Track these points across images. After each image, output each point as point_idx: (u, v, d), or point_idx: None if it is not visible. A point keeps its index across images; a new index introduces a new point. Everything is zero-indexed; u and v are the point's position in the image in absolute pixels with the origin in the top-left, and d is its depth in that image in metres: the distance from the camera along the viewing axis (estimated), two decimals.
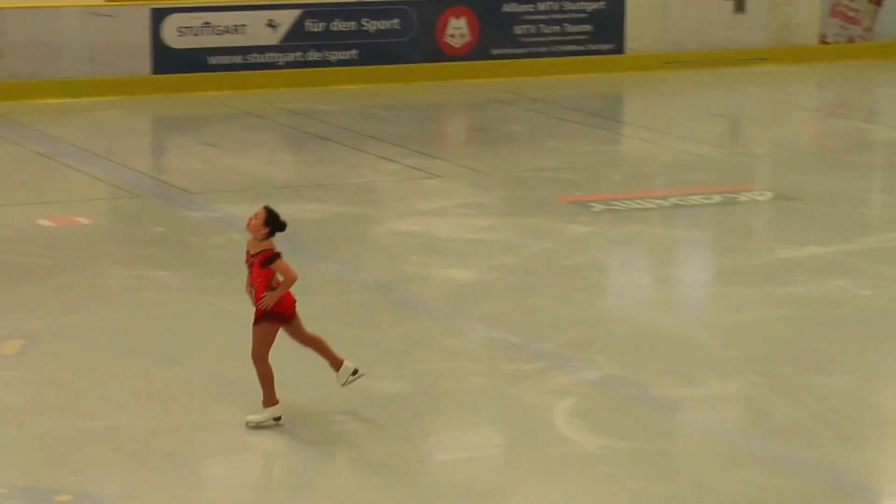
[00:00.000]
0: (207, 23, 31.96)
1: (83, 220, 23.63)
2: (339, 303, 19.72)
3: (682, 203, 24.68)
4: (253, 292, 14.84)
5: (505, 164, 28.01)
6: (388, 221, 24.56)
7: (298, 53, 33.15)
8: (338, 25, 33.19)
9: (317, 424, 15.29)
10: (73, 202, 25.06)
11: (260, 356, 14.76)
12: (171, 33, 32.14)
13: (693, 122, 33.79)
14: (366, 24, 33.20)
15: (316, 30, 32.76)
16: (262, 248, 14.75)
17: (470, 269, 21.43)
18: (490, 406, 16.34)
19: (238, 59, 32.55)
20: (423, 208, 24.93)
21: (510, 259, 21.58)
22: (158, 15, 31.59)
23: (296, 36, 32.71)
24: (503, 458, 15.16)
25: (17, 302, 19.20)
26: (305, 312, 16.70)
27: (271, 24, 32.47)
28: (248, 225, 14.86)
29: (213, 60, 32.98)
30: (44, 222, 23.05)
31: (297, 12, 32.69)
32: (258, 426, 14.78)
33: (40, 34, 32.07)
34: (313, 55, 33.26)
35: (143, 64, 32.65)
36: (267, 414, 14.85)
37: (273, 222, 14.86)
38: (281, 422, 14.94)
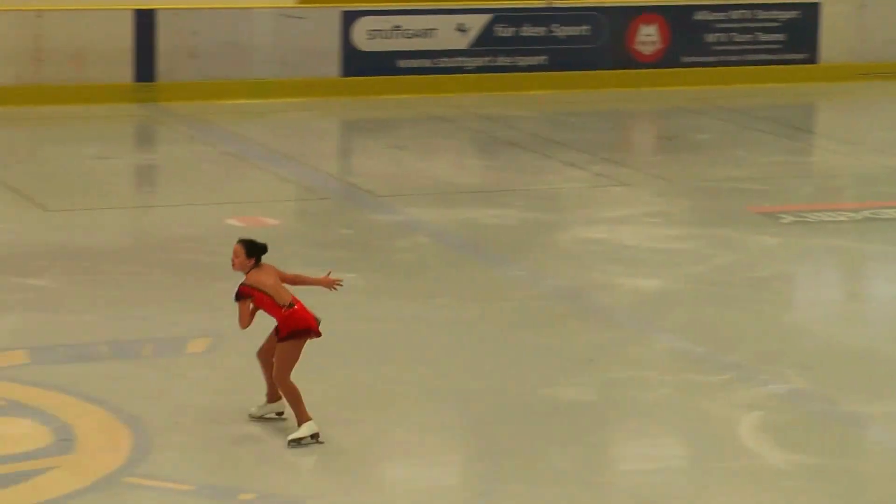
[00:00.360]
0: (398, 26, 32.10)
1: (271, 221, 23.82)
2: (523, 309, 19.72)
3: (875, 216, 24.52)
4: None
5: (693, 173, 27.96)
6: (574, 228, 24.50)
7: (488, 58, 33.17)
8: (527, 31, 33.20)
9: (500, 433, 15.14)
10: (262, 203, 25.43)
11: (283, 376, 14.53)
12: (362, 36, 32.29)
13: (887, 133, 33.25)
14: (556, 29, 33.17)
15: (505, 35, 32.77)
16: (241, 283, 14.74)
17: (656, 278, 21.33)
18: (675, 417, 16.25)
19: (427, 63, 32.66)
20: (609, 216, 24.82)
21: (697, 269, 21.49)
22: (349, 18, 31.81)
23: (485, 41, 32.75)
24: (687, 470, 15.00)
25: (206, 301, 19.38)
26: (489, 318, 16.86)
27: (461, 29, 32.53)
28: (234, 266, 14.73)
29: (402, 64, 33.06)
30: (232, 222, 23.17)
31: (486, 17, 32.71)
32: (298, 444, 14.43)
33: (232, 35, 32.36)
34: (502, 60, 33.21)
35: (333, 66, 32.84)
36: (304, 430, 14.49)
37: (254, 250, 14.74)
38: (320, 439, 14.58)
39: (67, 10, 31.07)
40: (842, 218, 24.48)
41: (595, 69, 34.03)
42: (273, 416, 15.00)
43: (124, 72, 31.81)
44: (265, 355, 14.74)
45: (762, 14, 34.64)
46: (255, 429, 15.13)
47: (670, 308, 19.93)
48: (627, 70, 34.30)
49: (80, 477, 13.81)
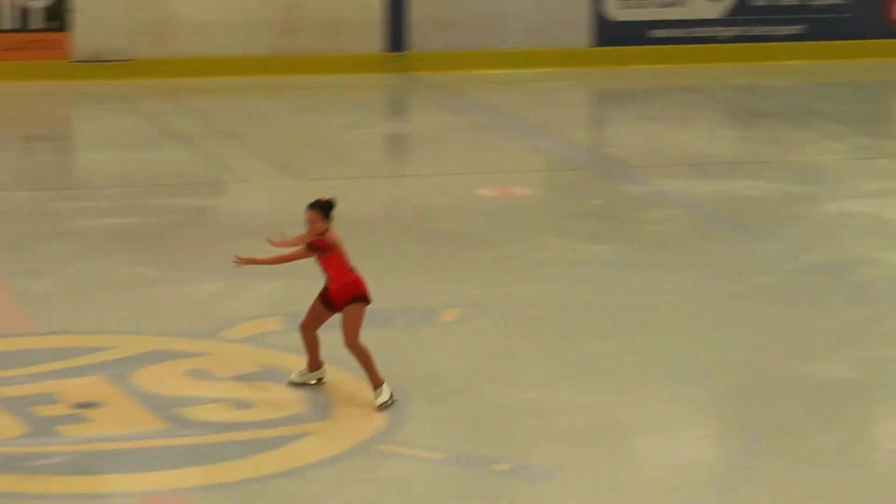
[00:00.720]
0: None
1: (521, 191, 24.12)
2: (781, 283, 19.54)
3: None
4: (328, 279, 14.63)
5: None
6: (834, 202, 24.16)
7: (742, 27, 33.24)
8: (784, 0, 33.18)
9: (755, 409, 14.96)
10: (512, 173, 25.63)
11: (355, 340, 14.46)
12: (613, 6, 32.48)
13: None
14: None
15: (761, 3, 32.79)
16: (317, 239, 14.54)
17: None
18: None
19: (679, 33, 32.75)
20: (871, 189, 24.45)
21: None
22: None
23: (740, 10, 32.85)
24: None
25: (457, 270, 19.56)
26: (743, 292, 16.81)
27: None
28: (311, 234, 14.50)
29: (653, 33, 33.13)
30: (482, 192, 23.52)
31: None
32: (387, 407, 14.35)
33: (484, 5, 32.51)
34: (758, 29, 33.31)
35: (583, 36, 32.93)
36: (387, 392, 14.41)
37: (324, 208, 14.55)
38: (395, 397, 14.54)
39: None
40: None
41: (854, 38, 33.94)
42: (314, 382, 14.92)
43: (376, 42, 32.09)
44: (308, 328, 14.72)
45: None
46: (507, 399, 15.23)
47: None
48: (888, 39, 34.12)
49: (335, 443, 14.07)
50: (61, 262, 19.56)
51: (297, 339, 16.05)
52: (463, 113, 29.66)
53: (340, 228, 20.67)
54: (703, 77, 33.07)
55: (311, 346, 14.75)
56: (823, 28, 34.34)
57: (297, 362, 15.58)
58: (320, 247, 14.30)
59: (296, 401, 14.91)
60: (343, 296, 14.19)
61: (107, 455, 13.63)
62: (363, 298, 14.38)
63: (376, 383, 14.31)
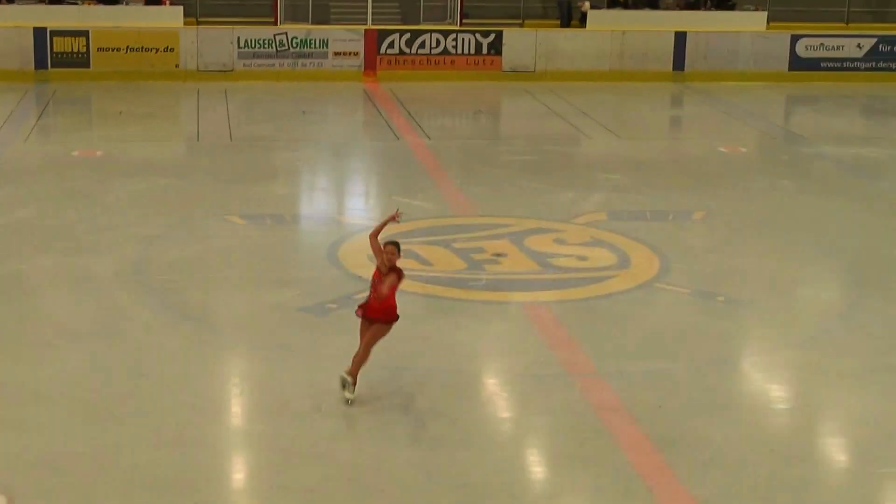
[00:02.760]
0: None
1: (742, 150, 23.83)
2: None
3: None
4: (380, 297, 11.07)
5: None
6: None
7: None
8: None
9: None
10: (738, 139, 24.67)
11: (372, 347, 11.19)
12: None
13: None
14: None
15: None
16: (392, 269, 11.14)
17: None
18: None
19: None
20: None
21: None
22: None
23: None
24: None
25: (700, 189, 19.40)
26: None
27: None
28: (390, 263, 11.08)
29: None
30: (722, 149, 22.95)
31: None
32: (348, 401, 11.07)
33: None
34: None
35: None
36: (350, 390, 11.13)
37: (398, 247, 11.20)
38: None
39: None
40: None
41: None
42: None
43: None
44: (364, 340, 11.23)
45: None
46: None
47: None
48: None
49: (630, 281, 14.87)
50: (493, 180, 20.04)
51: (614, 225, 17.10)
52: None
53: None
54: None
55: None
56: None
57: (613, 237, 16.47)
58: (401, 276, 11.10)
59: (609, 257, 15.67)
60: (392, 314, 11.21)
61: (509, 282, 14.87)
62: (392, 322, 11.24)
63: (352, 373, 11.16)
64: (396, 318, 11.25)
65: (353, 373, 11.15)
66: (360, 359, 11.19)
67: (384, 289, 11.03)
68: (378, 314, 11.18)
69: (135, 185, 19.36)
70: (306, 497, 9.62)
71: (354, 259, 15.46)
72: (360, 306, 11.34)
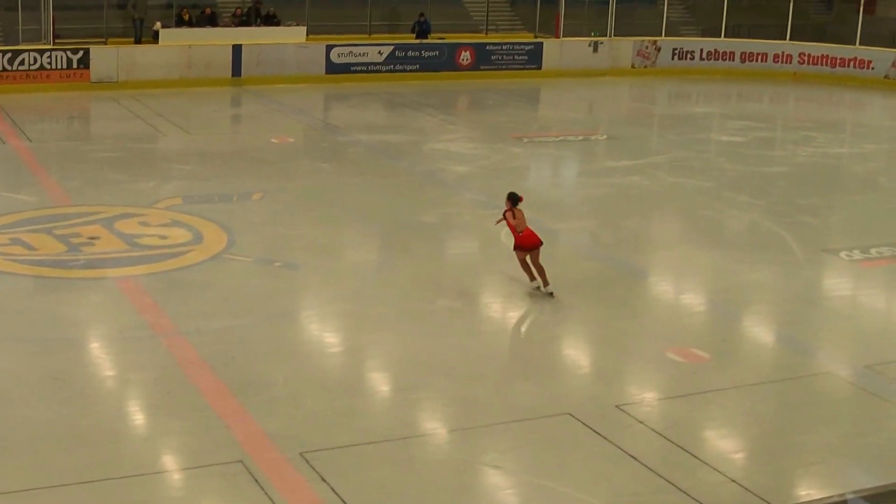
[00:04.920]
0: None
1: None
2: None
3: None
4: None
5: None
6: None
7: None
8: None
9: None
10: None
11: (521, 261, 13.39)
12: None
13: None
14: None
15: None
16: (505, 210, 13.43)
17: None
18: None
19: None
20: None
21: None
22: None
23: None
24: None
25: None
26: None
27: None
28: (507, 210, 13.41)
29: None
30: None
31: None
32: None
33: None
34: None
35: None
36: (549, 286, 13.36)
37: (513, 199, 13.43)
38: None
39: None
40: None
41: None
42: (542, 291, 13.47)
43: None
44: (534, 262, 13.45)
45: None
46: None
47: None
48: None
49: (204, 254, 14.71)
50: (86, 174, 19.41)
51: (189, 207, 17.04)
52: None
53: None
54: None
55: (529, 270, 13.52)
56: None
57: (191, 219, 16.42)
58: (505, 216, 13.40)
59: (186, 236, 15.41)
60: (516, 242, 13.33)
61: (103, 261, 14.41)
62: (529, 247, 13.24)
63: (543, 279, 13.35)
64: (520, 244, 13.37)
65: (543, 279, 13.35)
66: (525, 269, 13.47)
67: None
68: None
69: None
70: None
71: None
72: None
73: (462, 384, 10.87)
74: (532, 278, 13.50)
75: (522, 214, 13.53)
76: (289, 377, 10.88)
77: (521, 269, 13.57)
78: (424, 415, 10.39)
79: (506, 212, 13.49)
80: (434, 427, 10.16)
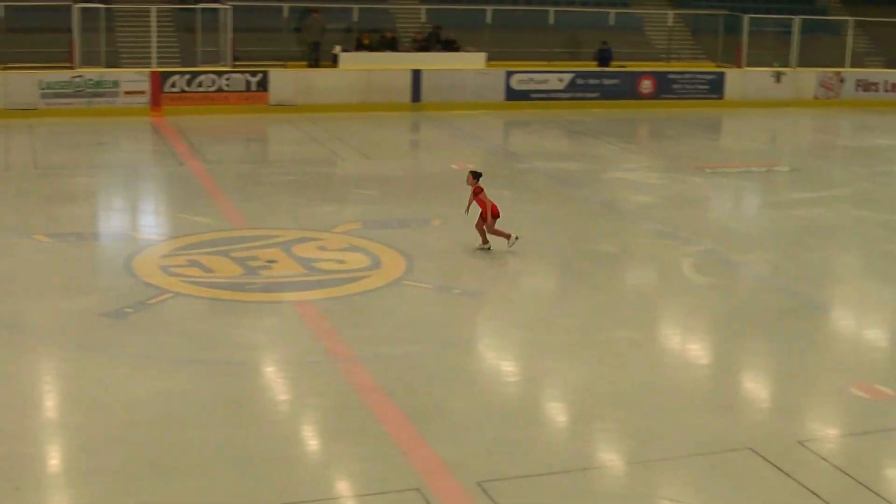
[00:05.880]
0: None
1: None
2: None
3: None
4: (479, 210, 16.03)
5: None
6: None
7: None
8: None
9: None
10: None
11: (495, 231, 16.00)
12: None
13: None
14: None
15: None
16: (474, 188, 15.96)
17: None
18: None
19: None
20: None
21: None
22: None
23: None
24: None
25: None
26: None
27: None
28: (468, 182, 16.11)
29: None
30: None
31: None
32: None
33: None
34: None
35: None
36: (512, 239, 15.97)
37: (475, 176, 16.06)
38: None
39: None
40: None
41: None
42: (511, 244, 15.96)
43: None
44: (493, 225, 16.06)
45: None
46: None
47: None
48: None
49: (382, 280, 14.79)
50: (263, 197, 19.95)
51: (368, 232, 17.12)
52: None
53: None
54: None
55: (498, 233, 16.04)
56: None
57: (369, 244, 16.57)
58: (477, 191, 16.01)
59: (364, 261, 15.57)
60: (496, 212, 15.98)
61: (280, 284, 14.58)
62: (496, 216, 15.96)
63: (505, 236, 15.94)
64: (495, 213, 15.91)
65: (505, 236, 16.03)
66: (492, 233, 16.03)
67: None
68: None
69: None
70: (111, 478, 9.22)
71: (146, 269, 15.03)
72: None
73: (641, 416, 10.68)
74: (509, 236, 15.93)
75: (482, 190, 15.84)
76: (466, 405, 10.81)
77: (499, 237, 16.02)
78: (603, 446, 10.21)
79: (479, 192, 15.65)
80: (612, 459, 9.96)
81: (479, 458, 9.70)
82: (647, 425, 10.49)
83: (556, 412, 11.08)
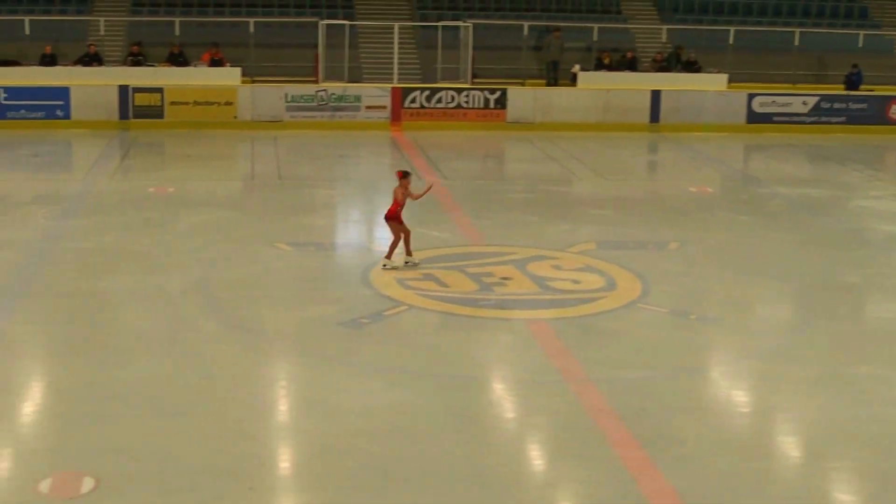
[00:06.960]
0: None
1: None
2: None
3: None
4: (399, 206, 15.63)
5: None
6: None
7: None
8: None
9: None
10: None
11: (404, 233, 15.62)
12: None
13: None
14: None
15: None
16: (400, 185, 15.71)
17: None
18: None
19: None
20: None
21: None
22: None
23: None
24: None
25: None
26: None
27: None
28: (400, 185, 15.75)
29: None
30: None
31: None
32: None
33: None
34: None
35: None
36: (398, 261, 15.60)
37: (404, 175, 15.88)
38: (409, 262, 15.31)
39: None
40: None
41: None
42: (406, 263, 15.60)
43: None
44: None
45: None
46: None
47: None
48: None
49: (617, 301, 14.71)
50: (499, 214, 20.07)
51: (603, 253, 17.10)
52: None
53: None
54: None
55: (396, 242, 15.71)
56: None
57: (604, 265, 16.57)
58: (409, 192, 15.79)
59: (599, 282, 15.55)
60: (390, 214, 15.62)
61: (514, 301, 14.64)
62: (391, 218, 15.62)
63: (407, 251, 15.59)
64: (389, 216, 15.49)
65: (389, 256, 15.45)
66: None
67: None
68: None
69: (200, 216, 19.36)
70: (342, 484, 9.42)
71: (383, 281, 15.37)
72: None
73: (882, 456, 10.24)
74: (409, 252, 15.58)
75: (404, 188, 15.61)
76: (699, 434, 10.62)
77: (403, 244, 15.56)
78: (840, 486, 9.84)
79: (407, 188, 15.57)
80: (850, 500, 9.58)
81: (711, 488, 9.51)
82: (888, 466, 10.06)
83: (791, 447, 10.76)
